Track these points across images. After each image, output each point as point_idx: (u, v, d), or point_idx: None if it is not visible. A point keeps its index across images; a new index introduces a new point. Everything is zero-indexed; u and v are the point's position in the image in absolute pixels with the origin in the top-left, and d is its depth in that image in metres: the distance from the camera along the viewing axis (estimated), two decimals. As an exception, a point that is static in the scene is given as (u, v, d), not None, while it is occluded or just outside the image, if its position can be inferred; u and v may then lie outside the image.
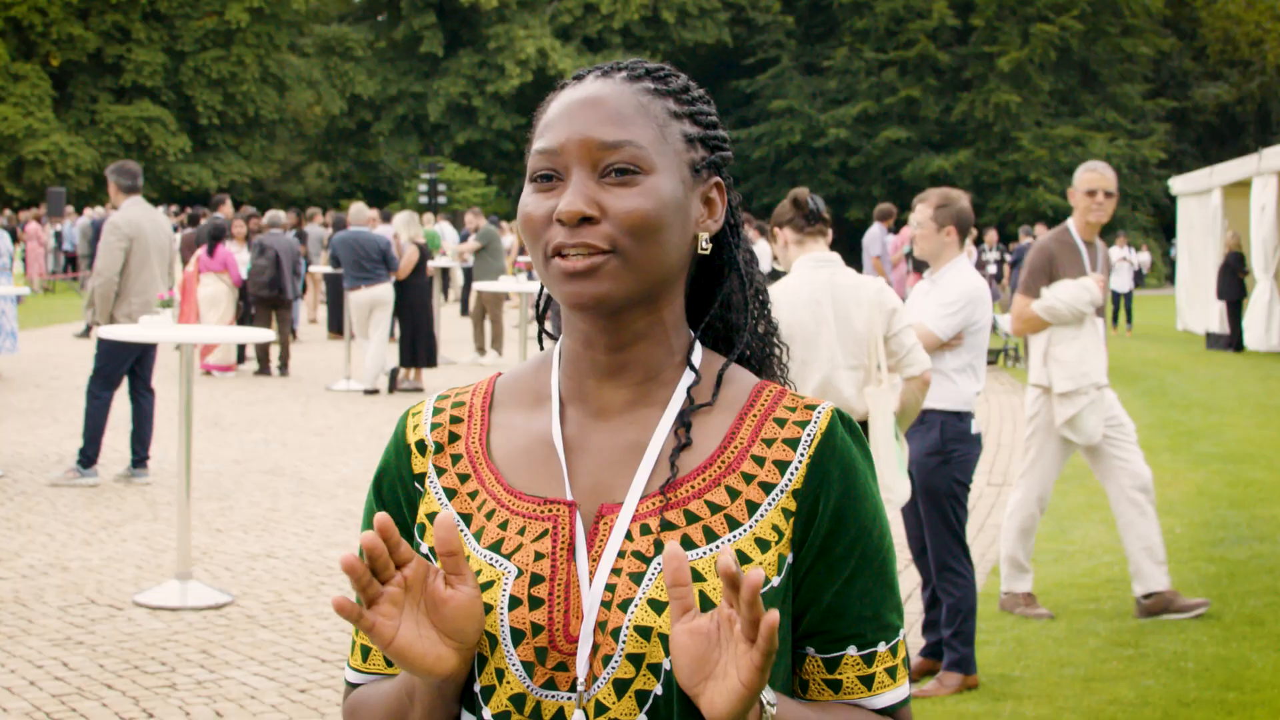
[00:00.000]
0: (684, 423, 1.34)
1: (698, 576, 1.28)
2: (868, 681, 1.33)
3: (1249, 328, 19.35)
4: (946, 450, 5.13)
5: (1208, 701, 5.01)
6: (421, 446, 1.41)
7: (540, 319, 1.50)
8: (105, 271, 8.60)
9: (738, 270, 1.42)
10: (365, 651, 1.42)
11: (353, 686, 1.45)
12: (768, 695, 1.23)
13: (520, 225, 1.33)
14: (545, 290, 1.47)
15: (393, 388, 13.63)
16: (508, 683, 1.30)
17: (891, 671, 1.34)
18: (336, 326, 17.96)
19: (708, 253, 1.38)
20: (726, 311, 1.44)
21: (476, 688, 1.31)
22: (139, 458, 8.90)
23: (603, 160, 1.30)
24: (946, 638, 5.19)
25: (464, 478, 1.38)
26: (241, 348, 15.48)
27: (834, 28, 48.15)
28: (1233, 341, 19.40)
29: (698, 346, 1.39)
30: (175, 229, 23.36)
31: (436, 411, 1.44)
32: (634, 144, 1.30)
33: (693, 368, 1.37)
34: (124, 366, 8.73)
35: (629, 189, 1.29)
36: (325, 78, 46.83)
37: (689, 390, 1.36)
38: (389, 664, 1.41)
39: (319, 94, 46.82)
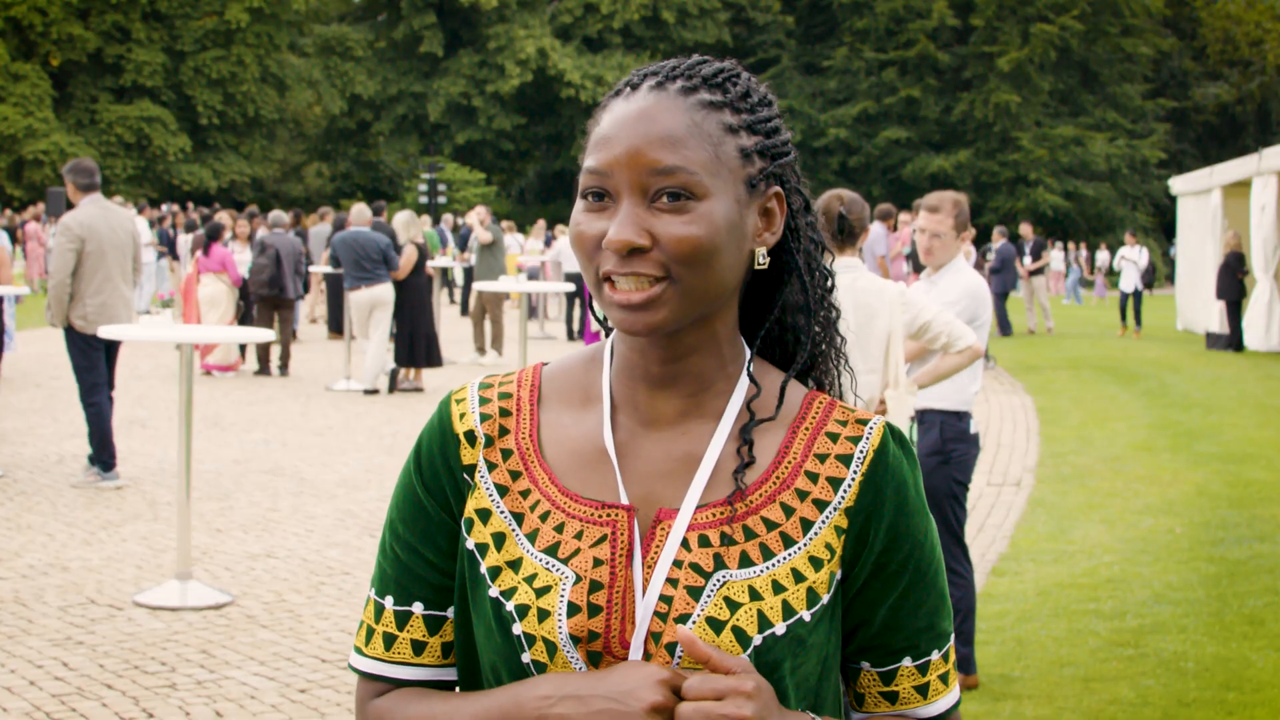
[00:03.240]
0: (746, 439, 1.32)
1: (755, 595, 1.28)
2: (923, 690, 1.34)
3: (1249, 328, 19.35)
4: (945, 450, 5.13)
5: (1208, 701, 5.01)
6: (471, 438, 1.38)
7: (596, 315, 1.46)
8: (56, 274, 8.46)
9: (798, 273, 1.39)
10: (389, 640, 1.38)
11: (370, 677, 1.39)
12: None
13: (572, 241, 1.31)
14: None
15: (393, 388, 13.62)
16: None
17: (944, 678, 1.36)
18: (336, 326, 17.96)
19: (764, 267, 1.35)
20: (784, 314, 1.41)
21: None
22: (96, 458, 8.79)
23: (653, 185, 1.27)
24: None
25: (515, 475, 1.36)
26: (242, 347, 15.48)
27: (834, 28, 48.18)
28: (1233, 341, 19.40)
29: (753, 358, 1.38)
30: (174, 230, 23.43)
31: (484, 401, 1.40)
32: (686, 169, 1.26)
33: (753, 379, 1.35)
34: (100, 364, 8.62)
35: (680, 216, 1.26)
36: (325, 78, 46.87)
37: (749, 404, 1.35)
38: (417, 652, 1.38)
39: (319, 94, 46.87)
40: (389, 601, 1.39)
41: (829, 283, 1.42)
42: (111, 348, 8.85)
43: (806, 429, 1.35)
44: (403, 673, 1.38)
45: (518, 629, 1.29)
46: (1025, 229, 24.09)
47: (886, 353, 4.55)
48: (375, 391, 13.42)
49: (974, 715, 4.92)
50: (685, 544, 1.29)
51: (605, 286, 1.29)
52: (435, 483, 1.38)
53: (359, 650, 1.40)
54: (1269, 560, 7.16)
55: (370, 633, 1.39)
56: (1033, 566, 7.14)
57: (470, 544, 1.35)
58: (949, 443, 5.13)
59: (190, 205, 33.06)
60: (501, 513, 1.35)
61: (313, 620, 5.98)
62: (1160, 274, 41.43)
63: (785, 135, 1.38)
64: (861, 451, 1.34)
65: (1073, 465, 10.18)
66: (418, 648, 1.37)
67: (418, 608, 1.38)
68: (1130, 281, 23.14)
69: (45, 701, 4.92)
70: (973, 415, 5.22)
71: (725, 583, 1.28)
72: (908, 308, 4.64)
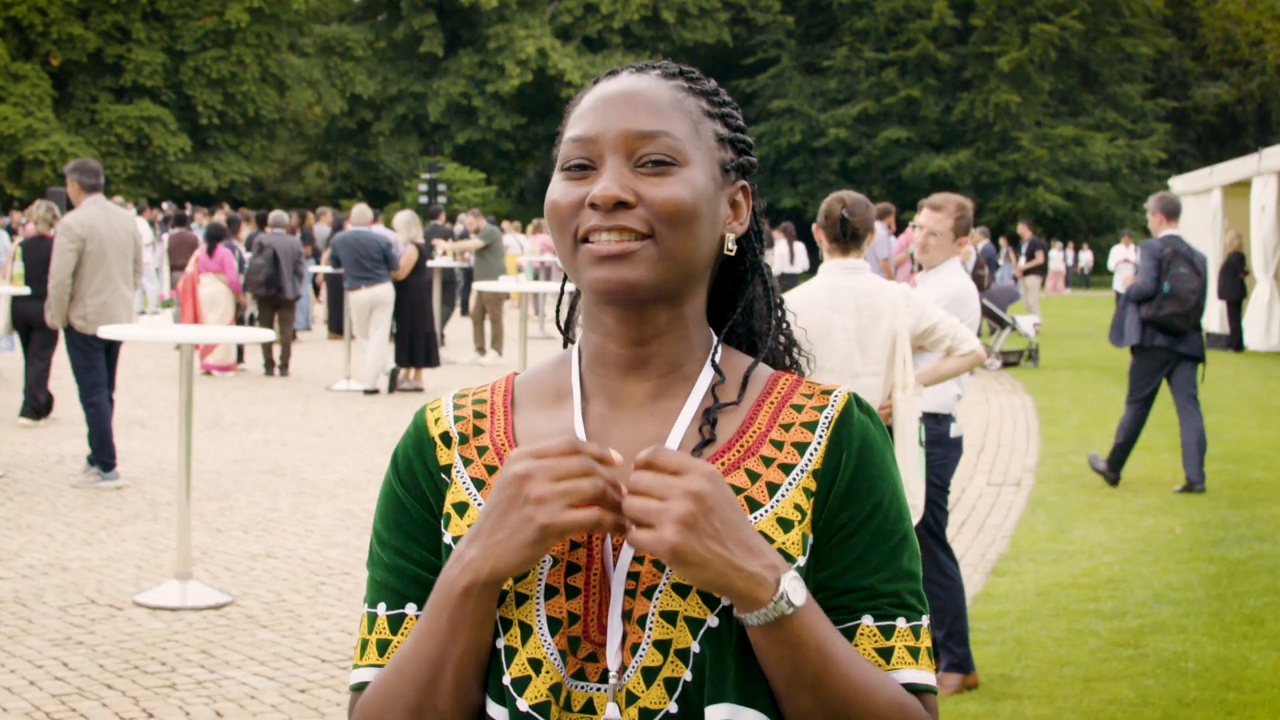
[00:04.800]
0: (709, 419, 1.34)
1: None
2: (885, 654, 1.31)
3: (1249, 328, 19.35)
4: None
5: (1208, 701, 5.01)
6: (446, 439, 1.40)
7: (560, 323, 1.48)
8: (57, 274, 8.47)
9: (761, 276, 1.43)
10: (383, 646, 1.37)
11: (365, 688, 1.38)
12: (790, 584, 1.22)
13: (548, 215, 1.33)
14: (566, 290, 1.48)
15: (393, 388, 13.63)
16: (546, 672, 1.28)
17: (913, 652, 1.32)
18: (336, 326, 17.96)
19: (733, 254, 1.39)
20: (749, 316, 1.45)
21: (507, 680, 1.29)
22: (97, 459, 8.79)
23: (639, 150, 1.30)
24: (940, 639, 5.18)
25: (491, 469, 1.37)
26: (240, 348, 15.48)
27: (834, 28, 48.19)
28: (1233, 341, 19.40)
29: (719, 345, 1.40)
30: (160, 228, 23.39)
31: (457, 407, 1.43)
32: (670, 135, 1.30)
33: (715, 367, 1.37)
34: (100, 364, 8.63)
35: (664, 178, 1.29)
36: (325, 78, 46.87)
37: (713, 388, 1.36)
38: None
39: (319, 94, 46.86)
40: (381, 609, 1.38)
41: (779, 297, 1.46)
42: (112, 348, 8.86)
43: (771, 402, 1.37)
44: None
45: (495, 614, 1.29)
46: (1022, 229, 24.12)
47: (891, 355, 4.53)
48: (375, 391, 13.42)
49: (974, 715, 4.92)
50: None
51: (582, 246, 1.30)
52: (414, 485, 1.40)
53: (355, 666, 1.39)
54: (1269, 560, 7.16)
55: (365, 645, 1.39)
56: (1033, 566, 7.14)
57: (448, 538, 1.36)
58: (926, 444, 5.11)
59: (188, 206, 33.02)
60: (479, 505, 1.36)
61: (313, 620, 5.98)
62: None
63: (750, 139, 1.42)
64: (826, 417, 1.35)
65: (1073, 465, 10.18)
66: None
67: (410, 609, 1.37)
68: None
69: (45, 701, 4.92)
70: (955, 419, 5.21)
71: None
72: (912, 310, 4.63)
